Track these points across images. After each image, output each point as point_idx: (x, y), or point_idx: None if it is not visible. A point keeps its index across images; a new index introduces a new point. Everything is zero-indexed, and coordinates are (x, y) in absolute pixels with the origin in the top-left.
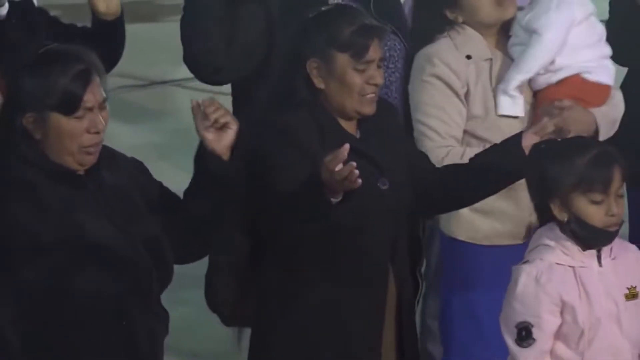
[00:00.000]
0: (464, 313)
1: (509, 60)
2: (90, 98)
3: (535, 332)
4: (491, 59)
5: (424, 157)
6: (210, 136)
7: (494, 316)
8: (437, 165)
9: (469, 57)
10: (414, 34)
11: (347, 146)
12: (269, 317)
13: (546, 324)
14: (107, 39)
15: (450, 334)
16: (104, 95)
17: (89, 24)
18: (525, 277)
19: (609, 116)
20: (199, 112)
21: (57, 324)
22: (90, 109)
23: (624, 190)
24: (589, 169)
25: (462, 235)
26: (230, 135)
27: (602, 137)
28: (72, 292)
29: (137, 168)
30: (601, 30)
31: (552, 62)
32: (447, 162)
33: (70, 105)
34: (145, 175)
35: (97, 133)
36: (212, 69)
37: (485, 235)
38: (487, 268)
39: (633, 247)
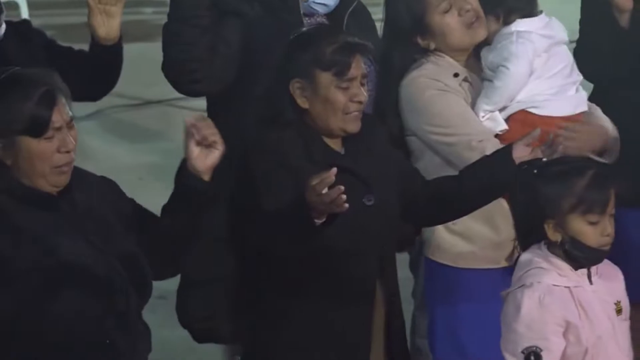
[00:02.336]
0: (447, 333)
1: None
2: (57, 118)
3: (545, 355)
4: (470, 82)
5: (415, 170)
6: (195, 153)
7: (476, 337)
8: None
9: (456, 75)
10: (386, 63)
11: (334, 170)
12: (260, 336)
13: (554, 346)
14: (105, 62)
15: (435, 352)
16: (71, 114)
17: (82, 45)
18: (529, 301)
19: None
20: (191, 129)
21: (38, 349)
22: (59, 129)
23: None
24: (588, 190)
25: (441, 258)
26: (215, 155)
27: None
28: (52, 315)
29: (109, 187)
30: (567, 60)
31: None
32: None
33: (39, 127)
34: (117, 194)
35: (68, 152)
36: (192, 78)
37: (464, 258)
38: (468, 290)
39: (608, 262)
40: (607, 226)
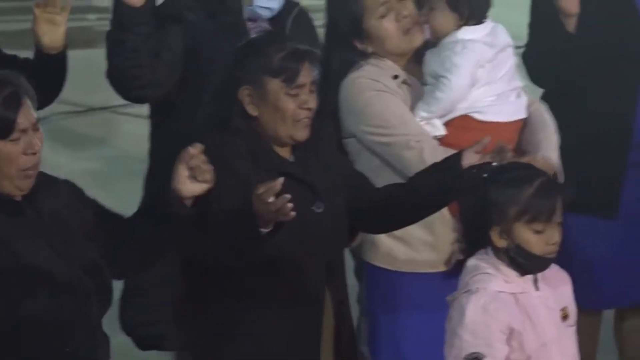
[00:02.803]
0: (387, 337)
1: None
2: (23, 120)
3: None
4: (409, 84)
5: (364, 177)
6: (182, 177)
7: (416, 342)
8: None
9: (395, 76)
10: (326, 66)
11: (281, 179)
12: (208, 343)
13: (498, 352)
14: (50, 71)
15: (376, 357)
16: (36, 116)
17: (26, 52)
18: (473, 307)
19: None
20: (187, 158)
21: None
22: (25, 131)
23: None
24: (535, 199)
25: (379, 262)
26: (202, 187)
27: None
28: (14, 320)
29: (72, 190)
30: (509, 66)
31: None
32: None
33: (5, 129)
34: (79, 197)
35: (34, 154)
36: (137, 84)
37: (402, 262)
38: (408, 294)
39: (556, 267)
40: (554, 235)
